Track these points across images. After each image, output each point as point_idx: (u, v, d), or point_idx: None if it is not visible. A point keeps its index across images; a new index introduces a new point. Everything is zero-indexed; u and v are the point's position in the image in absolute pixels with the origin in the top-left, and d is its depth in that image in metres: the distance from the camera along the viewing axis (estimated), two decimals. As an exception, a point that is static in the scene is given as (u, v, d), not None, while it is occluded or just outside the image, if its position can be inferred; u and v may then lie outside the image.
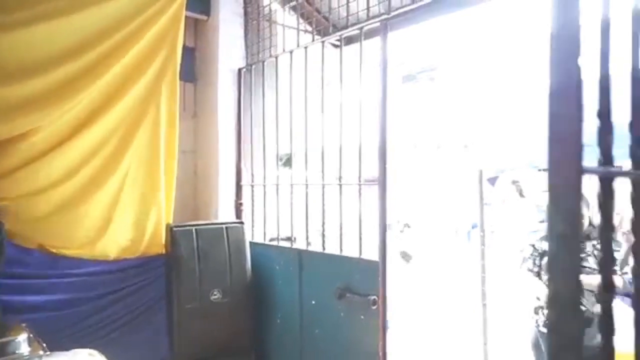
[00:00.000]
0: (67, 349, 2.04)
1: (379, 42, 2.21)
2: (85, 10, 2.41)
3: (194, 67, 3.17)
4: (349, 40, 2.60)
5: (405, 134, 7.42)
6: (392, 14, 2.16)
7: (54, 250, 2.42)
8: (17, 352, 1.51)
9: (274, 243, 2.83)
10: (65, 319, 2.37)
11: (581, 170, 0.56)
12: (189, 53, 3.09)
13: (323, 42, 2.59)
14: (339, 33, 2.54)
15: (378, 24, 2.24)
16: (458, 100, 7.33)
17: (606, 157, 0.58)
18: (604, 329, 0.59)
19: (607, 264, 0.62)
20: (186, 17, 2.88)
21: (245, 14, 3.08)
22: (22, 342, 1.56)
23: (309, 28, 3.03)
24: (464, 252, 6.80)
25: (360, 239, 2.29)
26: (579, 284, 0.57)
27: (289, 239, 2.74)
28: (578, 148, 0.56)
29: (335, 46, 2.67)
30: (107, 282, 2.52)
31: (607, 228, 0.59)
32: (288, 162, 3.06)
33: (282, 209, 2.76)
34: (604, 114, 0.58)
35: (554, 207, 0.57)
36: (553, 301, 0.58)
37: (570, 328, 0.58)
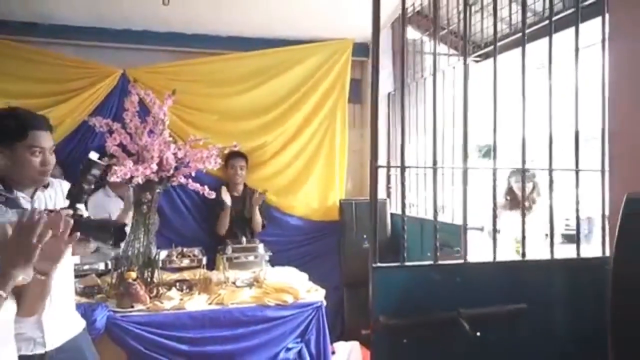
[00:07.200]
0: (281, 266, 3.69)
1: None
2: (289, 72, 4.08)
3: (360, 93, 4.61)
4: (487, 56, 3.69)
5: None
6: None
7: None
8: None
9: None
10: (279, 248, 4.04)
11: None
12: (357, 83, 4.55)
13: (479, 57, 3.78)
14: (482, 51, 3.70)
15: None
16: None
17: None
18: None
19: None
20: (354, 60, 4.35)
21: (393, 53, 4.36)
22: (261, 246, 3.27)
23: (453, 52, 4.14)
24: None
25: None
26: None
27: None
28: None
29: (476, 61, 3.78)
30: (313, 230, 4.19)
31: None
32: (487, 153, 4.21)
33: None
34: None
35: None
36: None
37: None
